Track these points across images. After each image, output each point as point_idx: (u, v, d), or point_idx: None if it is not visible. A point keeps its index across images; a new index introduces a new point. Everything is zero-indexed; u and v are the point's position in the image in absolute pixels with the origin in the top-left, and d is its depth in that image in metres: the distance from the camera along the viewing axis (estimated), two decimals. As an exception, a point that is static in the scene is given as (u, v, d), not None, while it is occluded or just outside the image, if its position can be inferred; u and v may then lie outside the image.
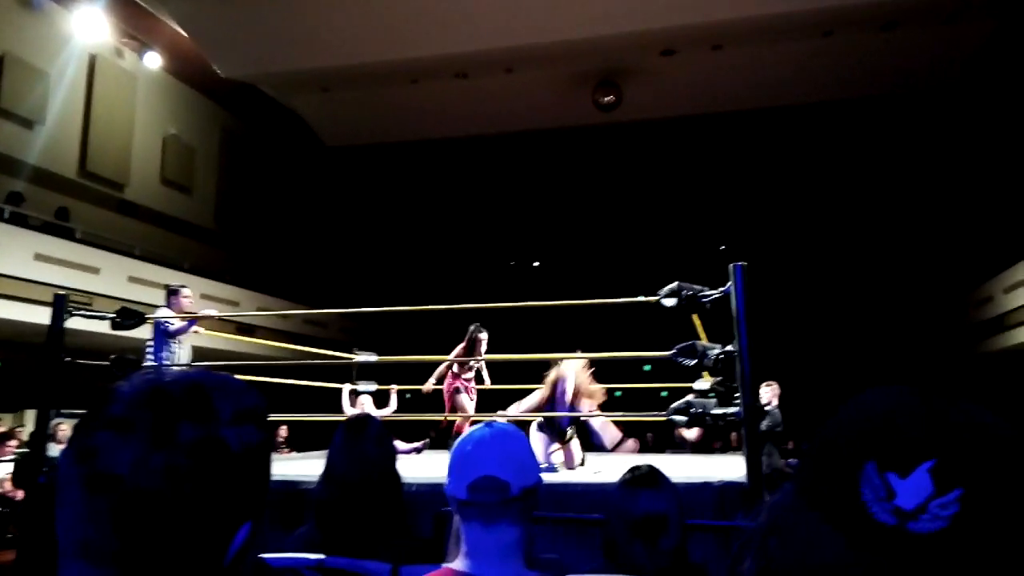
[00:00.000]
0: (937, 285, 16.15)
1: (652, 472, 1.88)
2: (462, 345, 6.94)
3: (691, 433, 9.11)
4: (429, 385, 7.02)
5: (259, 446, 0.69)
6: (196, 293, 10.67)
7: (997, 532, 0.48)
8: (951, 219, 16.71)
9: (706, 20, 10.67)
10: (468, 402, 7.00)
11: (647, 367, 13.93)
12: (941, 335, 15.66)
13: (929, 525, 0.48)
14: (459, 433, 6.81)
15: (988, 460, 0.49)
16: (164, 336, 6.33)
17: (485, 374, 7.34)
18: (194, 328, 6.49)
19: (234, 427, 0.66)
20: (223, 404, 0.67)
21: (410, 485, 3.63)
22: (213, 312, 6.46)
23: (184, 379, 0.68)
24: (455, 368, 7.02)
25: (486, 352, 7.00)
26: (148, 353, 6.34)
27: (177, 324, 6.37)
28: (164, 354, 6.29)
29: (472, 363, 7.05)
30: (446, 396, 6.99)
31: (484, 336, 6.96)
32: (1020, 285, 11.82)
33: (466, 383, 7.08)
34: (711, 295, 4.34)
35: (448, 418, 7.16)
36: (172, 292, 6.81)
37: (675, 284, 4.51)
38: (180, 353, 6.44)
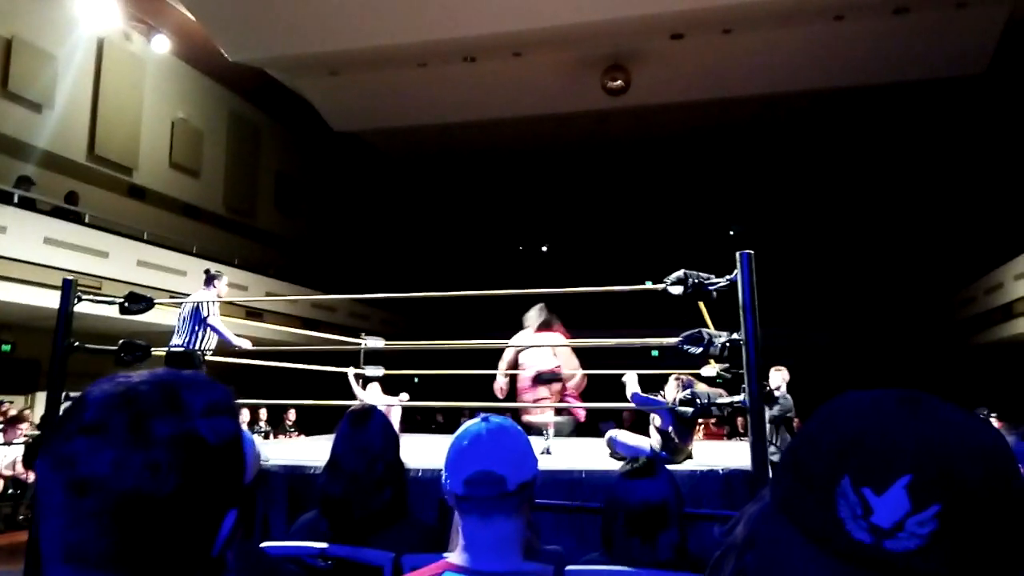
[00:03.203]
0: (938, 273, 16.09)
1: (649, 463, 1.89)
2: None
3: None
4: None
5: (234, 435, 0.71)
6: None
7: (975, 549, 0.47)
8: (956, 208, 16.62)
9: (716, 3, 10.57)
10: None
11: (655, 352, 13.93)
12: (939, 322, 15.62)
13: (906, 543, 0.47)
14: None
15: (966, 475, 0.48)
16: (202, 321, 6.35)
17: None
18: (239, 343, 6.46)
19: (207, 419, 0.68)
20: (193, 398, 0.68)
21: (415, 471, 3.67)
22: (246, 344, 6.46)
23: (152, 378, 0.69)
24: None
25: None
26: (179, 335, 6.37)
27: (218, 315, 6.42)
28: (196, 337, 6.33)
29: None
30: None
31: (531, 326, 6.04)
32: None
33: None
34: (717, 283, 4.34)
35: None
36: (216, 277, 6.81)
37: (681, 272, 4.50)
38: (211, 339, 6.45)
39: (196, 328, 6.34)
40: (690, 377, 4.92)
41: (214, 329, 6.35)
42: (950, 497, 0.47)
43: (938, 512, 0.47)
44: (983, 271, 13.65)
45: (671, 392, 4.92)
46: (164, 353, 6.01)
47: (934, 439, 0.49)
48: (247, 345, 6.44)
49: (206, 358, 6.24)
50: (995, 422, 8.21)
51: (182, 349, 6.16)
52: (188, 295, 7.36)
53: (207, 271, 6.97)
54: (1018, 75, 12.84)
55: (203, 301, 6.35)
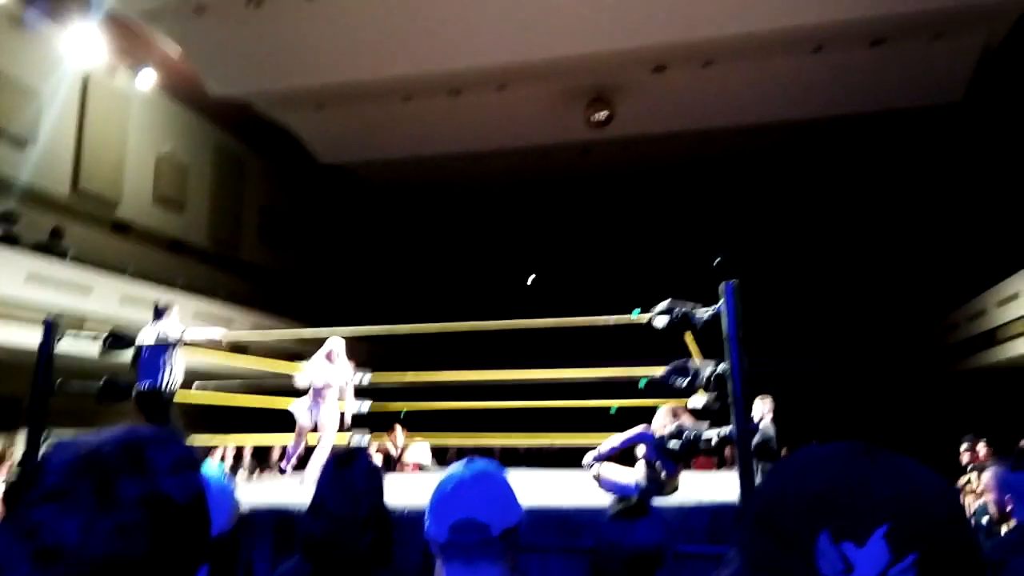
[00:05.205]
0: (921, 300, 16.21)
1: (641, 503, 1.87)
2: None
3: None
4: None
5: (200, 491, 0.70)
6: (189, 312, 10.64)
7: None
8: (937, 236, 16.80)
9: (696, 37, 10.74)
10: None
11: (642, 383, 13.88)
12: (923, 349, 15.70)
13: None
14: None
15: (935, 520, 0.49)
16: (169, 355, 6.17)
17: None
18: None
19: (173, 476, 0.67)
20: (158, 456, 0.67)
21: (400, 510, 3.62)
22: (219, 332, 6.38)
23: (114, 439, 0.67)
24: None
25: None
26: (145, 374, 6.16)
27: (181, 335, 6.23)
28: (160, 374, 6.14)
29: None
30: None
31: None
32: (1012, 299, 11.85)
33: None
34: (703, 314, 4.35)
35: None
36: (166, 308, 6.48)
37: (668, 302, 4.52)
38: (176, 375, 6.27)
39: (161, 366, 6.13)
40: (679, 408, 4.91)
41: (193, 343, 6.22)
42: (925, 544, 0.48)
43: (916, 560, 0.47)
44: (966, 298, 13.78)
45: (660, 420, 4.90)
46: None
47: (900, 488, 0.50)
48: (222, 332, 6.36)
49: (174, 395, 6.08)
50: (983, 449, 8.23)
51: (150, 389, 5.93)
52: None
53: (156, 304, 6.58)
54: (994, 103, 13.08)
55: (162, 334, 6.14)
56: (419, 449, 9.13)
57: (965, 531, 0.50)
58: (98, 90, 13.12)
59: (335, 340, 6.63)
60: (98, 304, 10.58)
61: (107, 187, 13.31)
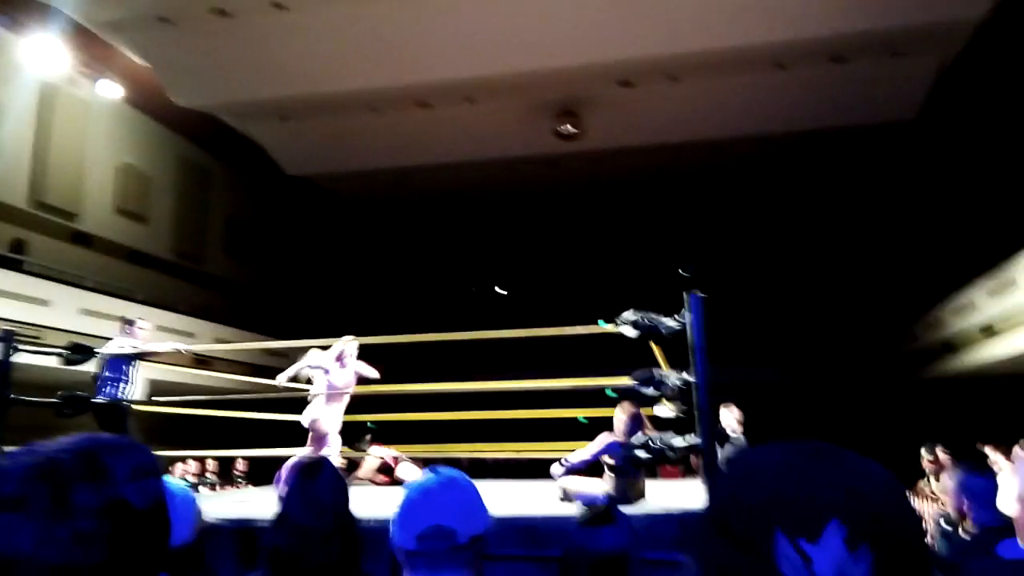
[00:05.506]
0: (883, 310, 16.51)
1: (607, 510, 1.88)
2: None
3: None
4: None
5: (161, 497, 0.69)
6: (152, 324, 10.48)
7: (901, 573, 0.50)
8: (896, 248, 17.15)
9: (660, 53, 10.89)
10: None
11: (612, 393, 13.89)
12: (885, 359, 15.99)
13: None
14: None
15: (881, 510, 0.51)
16: (123, 366, 6.07)
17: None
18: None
19: (133, 483, 0.66)
20: (117, 463, 0.66)
21: (367, 521, 3.59)
22: (179, 346, 6.35)
23: (71, 446, 0.66)
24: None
25: None
26: (104, 386, 6.07)
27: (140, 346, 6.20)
28: (120, 387, 6.04)
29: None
30: None
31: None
32: (966, 309, 12.12)
33: None
34: (669, 325, 4.39)
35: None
36: (132, 322, 6.52)
37: (635, 313, 4.56)
38: (135, 388, 6.18)
39: (120, 379, 6.05)
40: (638, 410, 4.95)
41: (149, 355, 6.17)
42: (876, 534, 0.50)
43: (868, 550, 0.49)
44: (924, 309, 14.07)
45: (619, 418, 4.95)
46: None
47: (847, 483, 0.52)
48: (182, 347, 6.52)
49: (132, 407, 5.99)
50: (942, 455, 8.38)
51: (107, 401, 5.85)
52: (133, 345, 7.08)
53: (123, 318, 6.64)
54: (947, 120, 13.41)
55: (122, 347, 6.08)
56: (410, 467, 8.90)
57: (911, 518, 0.52)
58: (58, 100, 12.89)
59: (349, 342, 6.36)
60: (56, 317, 10.37)
61: (67, 198, 13.06)
